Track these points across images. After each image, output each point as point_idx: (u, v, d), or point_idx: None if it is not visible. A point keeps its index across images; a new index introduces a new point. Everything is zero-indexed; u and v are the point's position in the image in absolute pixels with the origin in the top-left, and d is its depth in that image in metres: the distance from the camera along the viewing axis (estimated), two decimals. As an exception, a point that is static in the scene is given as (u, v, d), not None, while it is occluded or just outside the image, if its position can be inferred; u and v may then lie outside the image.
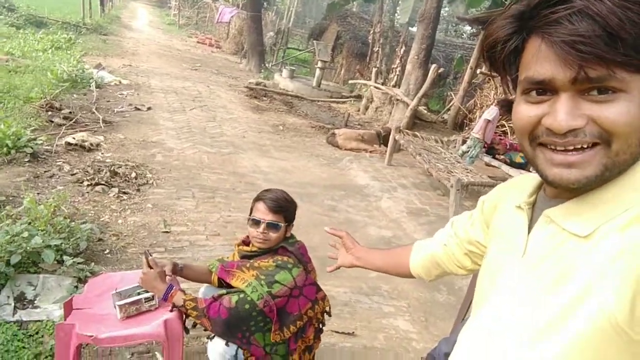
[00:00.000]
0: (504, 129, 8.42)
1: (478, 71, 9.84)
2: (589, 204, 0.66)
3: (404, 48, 12.81)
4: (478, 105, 9.49)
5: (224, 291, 1.86)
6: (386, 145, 7.50)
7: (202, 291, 2.17)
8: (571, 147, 0.62)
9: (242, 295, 1.80)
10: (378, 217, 4.97)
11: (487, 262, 0.85)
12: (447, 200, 5.62)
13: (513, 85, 0.72)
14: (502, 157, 6.29)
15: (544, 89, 0.64)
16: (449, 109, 11.44)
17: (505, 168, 6.11)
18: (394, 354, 2.88)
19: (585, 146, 0.62)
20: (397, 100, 9.87)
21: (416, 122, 9.79)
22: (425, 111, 11.03)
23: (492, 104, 6.92)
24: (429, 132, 9.42)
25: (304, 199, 5.06)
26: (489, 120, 6.32)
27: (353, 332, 2.97)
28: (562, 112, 0.61)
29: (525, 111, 0.66)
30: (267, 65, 15.27)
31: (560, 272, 0.65)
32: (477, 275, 0.90)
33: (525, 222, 0.76)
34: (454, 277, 3.97)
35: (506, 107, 6.51)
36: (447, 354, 2.66)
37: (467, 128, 9.93)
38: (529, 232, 0.74)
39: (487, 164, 6.73)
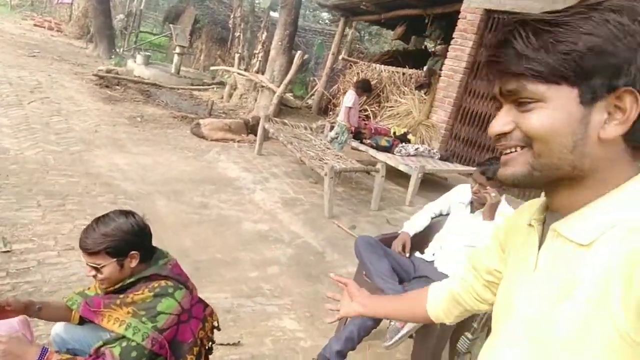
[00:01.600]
0: (367, 113, 8.66)
1: (340, 57, 10.01)
2: (592, 214, 0.69)
3: (265, 33, 12.61)
4: (341, 90, 9.65)
5: (101, 343, 1.53)
6: (255, 134, 7.28)
7: (58, 332, 1.79)
8: (507, 150, 0.74)
9: (124, 344, 1.49)
10: (252, 211, 4.76)
11: (504, 280, 0.90)
12: (320, 188, 5.59)
13: None
14: (368, 141, 6.42)
15: (500, 103, 0.75)
16: (313, 95, 11.53)
17: (372, 152, 6.24)
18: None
19: (513, 150, 0.73)
20: (262, 87, 9.67)
21: (282, 108, 9.68)
22: (291, 97, 10.98)
23: (350, 90, 6.97)
24: (295, 118, 9.40)
25: (171, 197, 4.67)
26: (349, 107, 6.39)
27: (239, 342, 2.75)
28: (494, 120, 0.74)
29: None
30: (117, 50, 14.05)
31: (566, 284, 0.68)
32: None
33: (536, 238, 0.79)
34: (334, 266, 3.93)
35: (362, 89, 6.64)
36: (340, 352, 2.58)
37: (331, 113, 10.09)
38: (539, 248, 0.78)
39: (354, 148, 6.85)
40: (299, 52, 8.28)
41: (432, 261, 2.85)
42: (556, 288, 0.69)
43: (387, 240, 2.98)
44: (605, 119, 0.66)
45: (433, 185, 6.24)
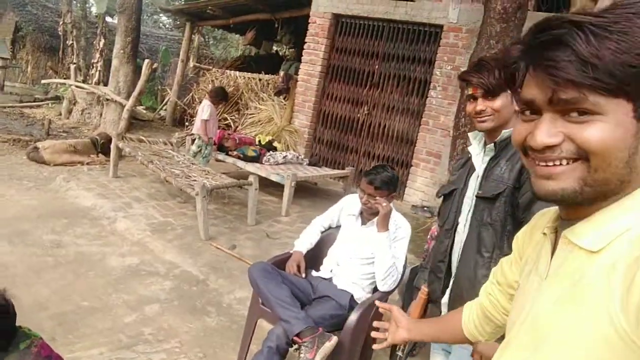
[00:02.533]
0: (227, 122, 8.37)
1: (191, 64, 9.54)
2: (603, 221, 0.68)
3: (103, 41, 11.62)
4: (196, 99, 9.20)
5: None
6: (105, 155, 6.60)
7: None
8: (550, 162, 0.69)
9: None
10: (117, 243, 4.24)
11: (519, 289, 0.88)
12: (190, 208, 5.21)
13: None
14: (235, 153, 6.15)
15: (534, 110, 0.71)
16: (165, 106, 10.87)
17: (241, 163, 6.00)
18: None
19: (564, 162, 0.68)
20: (107, 100, 8.82)
21: (132, 122, 8.94)
22: (141, 109, 10.22)
23: (205, 100, 6.55)
24: (148, 132, 8.77)
25: (14, 240, 3.96)
26: (206, 120, 5.98)
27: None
28: (539, 130, 0.69)
29: (518, 129, 0.74)
30: None
31: (571, 286, 0.68)
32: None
33: (549, 246, 0.79)
34: (220, 293, 3.65)
35: (218, 98, 6.22)
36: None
37: (187, 124, 9.58)
38: (552, 256, 0.77)
39: (219, 161, 6.54)
40: (146, 60, 7.69)
41: (330, 278, 2.75)
42: (564, 292, 0.69)
43: (280, 263, 2.81)
44: None
45: (304, 191, 6.20)
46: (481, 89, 1.63)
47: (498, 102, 1.62)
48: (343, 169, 7.04)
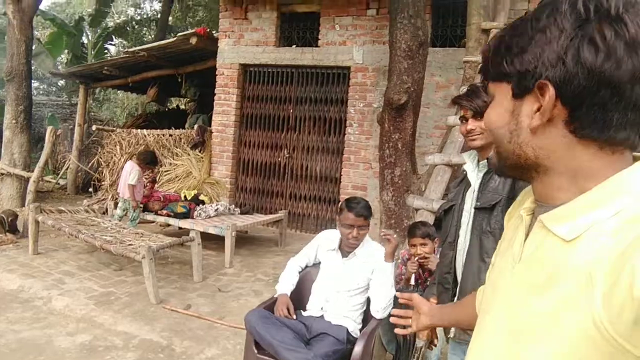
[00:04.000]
0: (148, 179, 8.05)
1: (94, 127, 9.11)
2: (578, 207, 0.68)
3: (-15, 112, 10.72)
4: (103, 163, 8.77)
5: None
6: (13, 233, 6.05)
7: None
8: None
9: None
10: (60, 323, 3.89)
11: (493, 267, 0.90)
12: (127, 275, 4.94)
13: None
14: (164, 211, 5.94)
15: None
16: (64, 173, 10.21)
17: (174, 221, 5.81)
18: None
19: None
20: (2, 174, 8.10)
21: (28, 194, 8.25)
22: (41, 180, 9.48)
23: (127, 162, 6.27)
24: (51, 203, 8.17)
25: (-59, 339, 3.49)
26: (133, 185, 5.76)
27: None
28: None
29: None
30: None
31: (546, 276, 0.68)
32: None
33: (523, 228, 0.80)
34: (189, 355, 3.48)
35: (147, 162, 6.02)
36: None
37: (91, 190, 9.05)
38: (526, 238, 0.77)
39: (145, 222, 6.28)
40: (50, 127, 7.22)
41: (322, 315, 2.77)
42: (537, 280, 0.69)
43: (269, 308, 2.79)
44: (534, 110, 0.71)
45: (239, 241, 6.10)
46: (471, 111, 1.84)
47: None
48: (272, 213, 7.08)
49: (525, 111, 0.72)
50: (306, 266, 3.07)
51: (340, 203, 2.86)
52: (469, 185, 1.92)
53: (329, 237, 2.95)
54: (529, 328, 0.68)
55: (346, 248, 2.83)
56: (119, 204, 5.94)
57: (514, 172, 0.80)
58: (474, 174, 1.91)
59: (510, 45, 0.73)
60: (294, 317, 2.76)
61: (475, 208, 1.82)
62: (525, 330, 0.69)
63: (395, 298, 2.67)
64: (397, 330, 1.46)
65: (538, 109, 0.70)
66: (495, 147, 0.80)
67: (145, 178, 6.22)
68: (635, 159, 0.70)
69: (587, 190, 0.68)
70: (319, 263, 2.99)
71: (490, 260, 1.74)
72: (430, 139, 6.38)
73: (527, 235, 0.78)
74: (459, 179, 2.05)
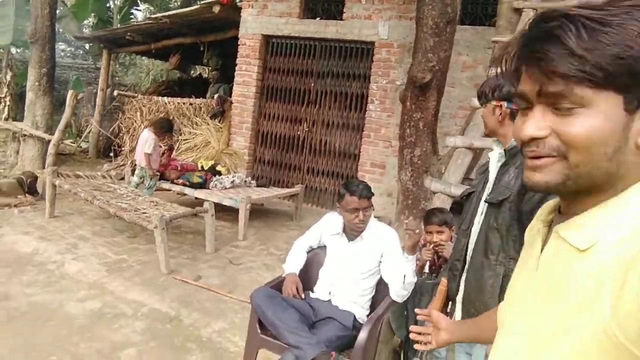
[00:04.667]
0: (165, 147, 8.07)
1: (115, 93, 9.12)
2: (593, 218, 0.68)
3: (10, 73, 10.83)
4: (123, 129, 8.80)
5: None
6: (33, 195, 6.13)
7: None
8: (537, 155, 0.69)
9: None
10: (72, 288, 3.93)
11: (513, 277, 0.89)
12: (141, 242, 4.96)
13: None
14: (180, 180, 5.94)
15: (527, 102, 0.71)
16: (87, 137, 10.29)
17: (189, 191, 5.81)
18: None
19: (545, 157, 0.69)
20: (25, 136, 8.20)
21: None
22: (62, 143, 9.59)
23: (144, 130, 6.24)
24: (72, 166, 8.29)
25: (-45, 298, 3.56)
26: (149, 154, 5.74)
27: None
28: (528, 123, 0.69)
29: (517, 122, 0.74)
30: None
31: (560, 284, 0.68)
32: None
33: (540, 239, 0.79)
34: (197, 327, 3.48)
35: (164, 130, 6.03)
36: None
37: (112, 155, 9.11)
38: (542, 249, 0.77)
39: (161, 189, 6.29)
40: (70, 91, 7.25)
41: (329, 300, 2.72)
42: (552, 289, 0.70)
43: (276, 288, 2.75)
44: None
45: (254, 213, 6.07)
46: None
47: (483, 112, 1.81)
48: (288, 187, 7.03)
49: (636, 127, 0.65)
50: (311, 248, 3.00)
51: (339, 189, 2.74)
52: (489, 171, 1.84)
53: (333, 221, 2.87)
54: (545, 337, 0.68)
55: (352, 232, 2.74)
56: (136, 172, 5.95)
57: (585, 191, 0.69)
58: (494, 163, 1.81)
59: (630, 46, 0.61)
60: (303, 296, 2.71)
61: (485, 202, 1.75)
62: (543, 339, 0.68)
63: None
64: (417, 346, 1.41)
65: None
66: (577, 167, 0.66)
67: (163, 146, 6.21)
68: None
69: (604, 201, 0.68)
70: (325, 246, 2.92)
71: (493, 257, 1.70)
72: (453, 119, 6.21)
73: (543, 246, 0.77)
74: (484, 166, 1.95)
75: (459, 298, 1.85)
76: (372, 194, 2.71)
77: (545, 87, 0.66)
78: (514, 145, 1.71)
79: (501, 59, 0.77)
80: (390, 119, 6.56)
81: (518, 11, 4.99)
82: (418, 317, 1.48)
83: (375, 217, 6.28)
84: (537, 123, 0.68)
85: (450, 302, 1.98)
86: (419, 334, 1.41)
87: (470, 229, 1.82)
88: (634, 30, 0.61)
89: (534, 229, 0.85)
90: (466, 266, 1.82)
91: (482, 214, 1.78)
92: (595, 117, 0.64)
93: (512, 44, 0.74)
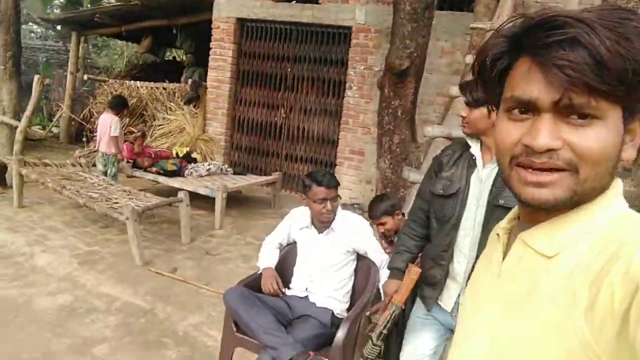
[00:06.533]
0: (134, 134, 7.88)
1: (85, 77, 8.84)
2: (560, 225, 0.68)
3: (-27, 56, 10.38)
4: (95, 114, 8.55)
5: None
6: (1, 184, 5.93)
7: None
8: (546, 168, 0.65)
9: None
10: (42, 282, 3.81)
11: (473, 278, 0.88)
12: (114, 233, 4.84)
13: (495, 101, 0.74)
14: (154, 169, 5.79)
15: (527, 109, 0.66)
16: (57, 122, 9.99)
17: (163, 179, 5.67)
18: None
19: (555, 171, 0.65)
20: (-10, 121, 7.89)
21: (21, 143, 8.07)
22: (29, 128, 9.28)
23: (102, 115, 5.99)
24: (42, 153, 8.07)
25: None
26: (117, 137, 5.56)
27: None
28: (543, 131, 0.64)
29: (508, 129, 0.69)
30: None
31: (526, 292, 0.67)
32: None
33: (501, 247, 0.78)
34: (172, 322, 3.41)
35: (119, 106, 5.74)
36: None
37: (85, 140, 8.86)
38: (504, 255, 0.76)
39: (131, 177, 6.13)
40: (37, 76, 6.96)
41: (306, 296, 2.67)
42: (518, 296, 0.69)
43: (251, 285, 2.68)
44: (625, 140, 0.66)
45: (231, 201, 5.96)
46: (467, 98, 1.83)
47: (475, 114, 1.81)
48: (266, 174, 6.95)
49: (627, 139, 0.66)
50: (281, 246, 2.94)
51: (304, 181, 2.72)
52: (472, 167, 1.85)
53: (299, 215, 2.83)
54: (512, 346, 0.67)
55: (321, 224, 2.70)
56: (99, 160, 5.68)
57: (569, 207, 0.68)
58: (481, 160, 1.84)
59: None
60: (284, 290, 2.67)
61: (495, 205, 1.75)
62: (506, 347, 0.68)
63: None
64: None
65: (631, 139, 0.67)
66: (586, 182, 0.64)
67: (136, 131, 6.04)
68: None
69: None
70: (295, 243, 2.87)
71: None
72: (432, 106, 6.18)
73: (504, 253, 0.77)
74: (454, 156, 1.94)
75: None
76: (339, 183, 2.72)
77: (568, 97, 0.61)
78: None
79: (481, 58, 0.73)
80: (369, 105, 6.51)
81: (496, -3, 4.95)
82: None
83: (355, 204, 6.27)
84: (551, 132, 0.64)
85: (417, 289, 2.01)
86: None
87: (460, 223, 1.85)
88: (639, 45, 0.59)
89: (494, 236, 0.84)
90: (462, 258, 1.84)
91: (476, 211, 1.81)
92: (608, 130, 0.63)
93: (496, 45, 0.70)
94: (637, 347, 0.53)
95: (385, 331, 1.97)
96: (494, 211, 1.75)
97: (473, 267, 1.77)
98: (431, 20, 4.90)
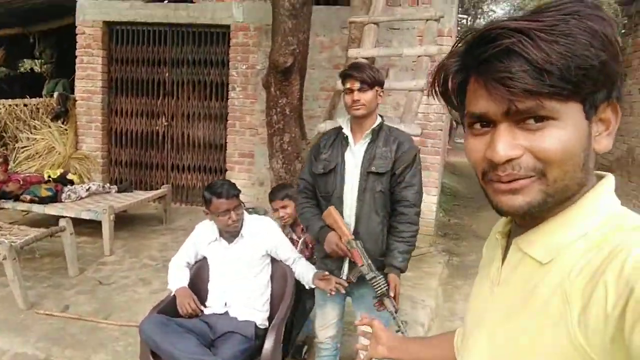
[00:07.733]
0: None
1: None
2: (554, 230, 0.68)
3: None
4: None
5: None
6: None
7: None
8: (515, 178, 0.65)
9: None
10: None
11: (474, 289, 0.88)
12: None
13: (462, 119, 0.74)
14: (27, 197, 5.15)
15: (486, 122, 0.67)
16: None
17: (38, 207, 5.07)
18: None
19: (522, 177, 0.66)
20: None
21: None
22: None
23: None
24: None
25: None
26: None
27: None
28: (499, 143, 0.65)
29: (473, 145, 0.70)
30: None
31: (523, 299, 0.68)
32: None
33: (500, 251, 0.79)
34: None
35: None
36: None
37: None
38: (503, 261, 0.76)
39: (6, 208, 5.45)
40: None
41: (226, 312, 2.54)
42: (515, 302, 0.70)
43: (166, 310, 2.50)
44: (598, 131, 0.67)
45: (118, 222, 5.52)
46: (357, 82, 2.09)
47: (369, 95, 2.10)
48: (153, 188, 6.56)
49: (594, 132, 0.67)
50: (188, 264, 2.79)
51: (203, 195, 2.62)
52: (345, 146, 2.20)
53: (205, 229, 2.72)
54: (509, 352, 0.68)
55: (229, 234, 2.63)
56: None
57: (551, 209, 0.68)
58: (353, 139, 2.19)
59: (588, 56, 0.60)
60: (203, 309, 2.53)
61: (369, 172, 2.13)
62: (506, 354, 0.68)
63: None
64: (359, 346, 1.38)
65: (606, 129, 0.68)
66: (555, 182, 0.65)
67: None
68: (597, 177, 0.71)
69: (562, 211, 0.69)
70: (204, 259, 2.74)
71: (382, 213, 2.18)
72: (316, 101, 6.22)
73: (504, 258, 0.77)
74: (330, 139, 2.27)
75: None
76: (239, 191, 2.66)
77: (514, 105, 0.62)
78: (377, 125, 2.17)
79: (435, 81, 0.74)
80: (254, 105, 6.39)
81: (372, -9, 5.07)
82: (357, 325, 1.43)
83: (250, 208, 6.13)
84: (509, 142, 0.64)
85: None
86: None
87: (343, 196, 2.19)
88: (583, 39, 0.60)
89: (492, 241, 0.85)
90: (351, 224, 2.20)
91: (353, 181, 2.16)
92: (565, 128, 0.63)
93: (448, 65, 0.72)
94: (633, 352, 0.53)
95: (368, 261, 2.11)
96: (368, 178, 2.12)
97: (354, 233, 2.17)
98: (310, 16, 4.91)
